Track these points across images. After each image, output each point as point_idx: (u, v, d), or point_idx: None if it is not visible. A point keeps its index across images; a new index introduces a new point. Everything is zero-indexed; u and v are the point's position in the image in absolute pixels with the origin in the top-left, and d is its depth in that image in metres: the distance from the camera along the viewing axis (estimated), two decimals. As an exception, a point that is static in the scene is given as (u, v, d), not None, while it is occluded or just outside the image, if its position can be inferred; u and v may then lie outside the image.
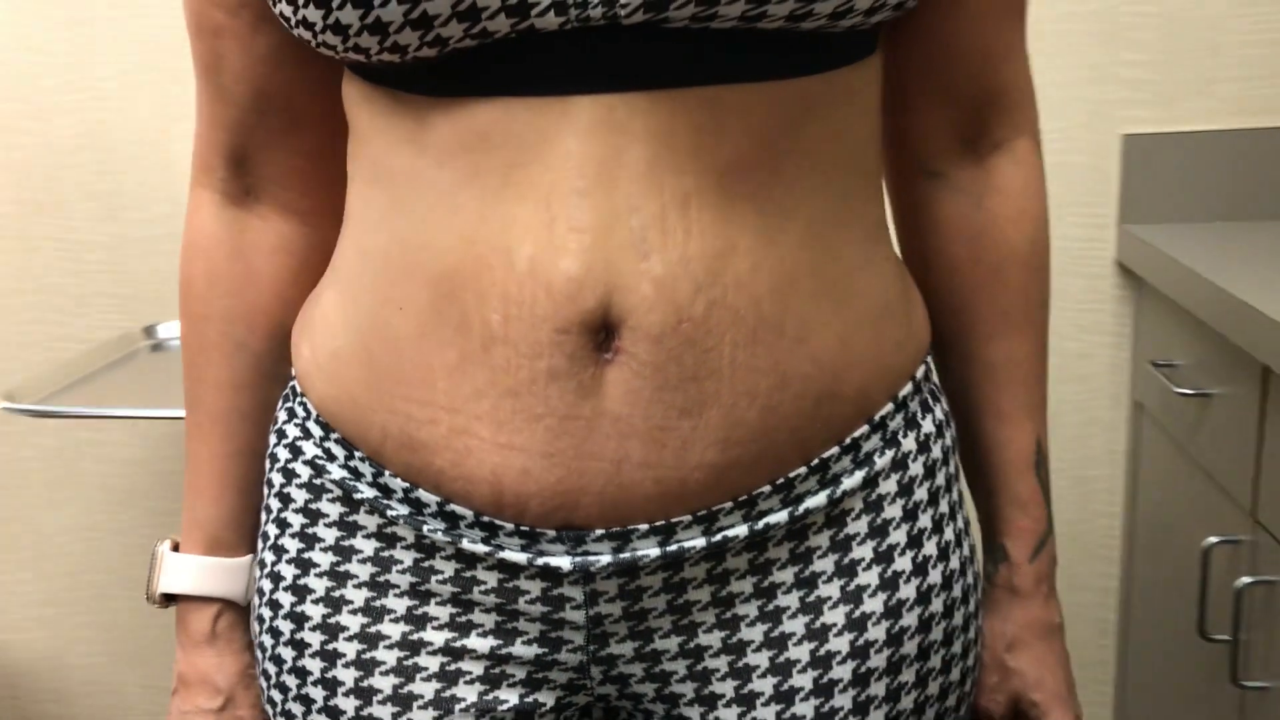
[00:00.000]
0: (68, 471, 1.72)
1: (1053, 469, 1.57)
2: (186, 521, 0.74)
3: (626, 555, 0.61)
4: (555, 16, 0.54)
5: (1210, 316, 1.22)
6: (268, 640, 0.69)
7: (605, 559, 0.61)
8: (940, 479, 0.68)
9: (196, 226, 0.73)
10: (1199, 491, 1.33)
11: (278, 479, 0.69)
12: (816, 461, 0.63)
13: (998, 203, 0.72)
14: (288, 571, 0.67)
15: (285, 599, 0.67)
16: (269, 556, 0.69)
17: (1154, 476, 1.50)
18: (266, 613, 0.69)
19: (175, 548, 0.75)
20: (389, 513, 0.64)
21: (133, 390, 1.42)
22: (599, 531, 0.60)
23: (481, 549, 0.62)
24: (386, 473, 0.64)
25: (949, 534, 0.68)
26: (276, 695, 0.69)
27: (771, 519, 0.62)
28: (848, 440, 0.64)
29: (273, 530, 0.69)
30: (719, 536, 0.62)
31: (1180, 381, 1.36)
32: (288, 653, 0.67)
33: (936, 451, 0.68)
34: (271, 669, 0.69)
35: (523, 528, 0.61)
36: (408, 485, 0.63)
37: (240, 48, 0.67)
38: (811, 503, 0.63)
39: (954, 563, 0.68)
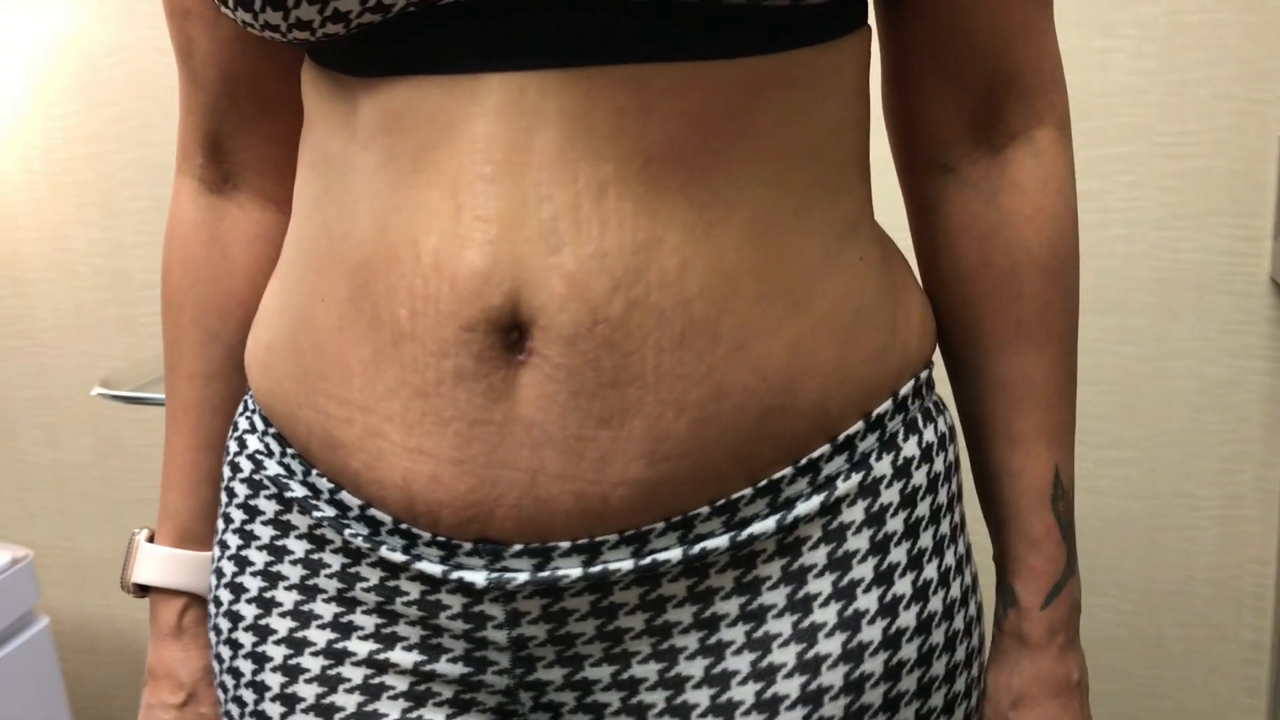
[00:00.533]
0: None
1: (1193, 506, 1.43)
2: (160, 512, 0.73)
3: (546, 574, 0.56)
4: None
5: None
6: (212, 637, 0.67)
7: (523, 576, 0.56)
8: (923, 509, 0.60)
9: (175, 214, 0.72)
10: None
11: (226, 472, 0.67)
12: (765, 483, 0.56)
13: (1013, 200, 0.63)
14: (228, 568, 0.65)
15: (225, 596, 0.65)
16: (215, 551, 0.67)
17: (1306, 520, 1.34)
18: (211, 609, 0.67)
19: (151, 538, 0.74)
20: (316, 513, 0.61)
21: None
22: (517, 547, 0.56)
23: (400, 558, 0.58)
24: (314, 471, 0.61)
25: (929, 572, 0.60)
26: (219, 695, 0.67)
27: (710, 543, 0.56)
28: (803, 460, 0.57)
29: (219, 525, 0.67)
30: (648, 560, 0.56)
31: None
32: (225, 651, 0.65)
33: (920, 478, 0.60)
34: (216, 668, 0.67)
35: (439, 538, 0.57)
36: (333, 486, 0.60)
37: (207, 30, 0.66)
38: (758, 528, 0.56)
39: (934, 604, 0.60)
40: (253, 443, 0.65)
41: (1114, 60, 1.33)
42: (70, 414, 1.72)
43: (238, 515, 0.65)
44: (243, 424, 0.66)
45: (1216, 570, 1.45)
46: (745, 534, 0.56)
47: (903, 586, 0.59)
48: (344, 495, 0.59)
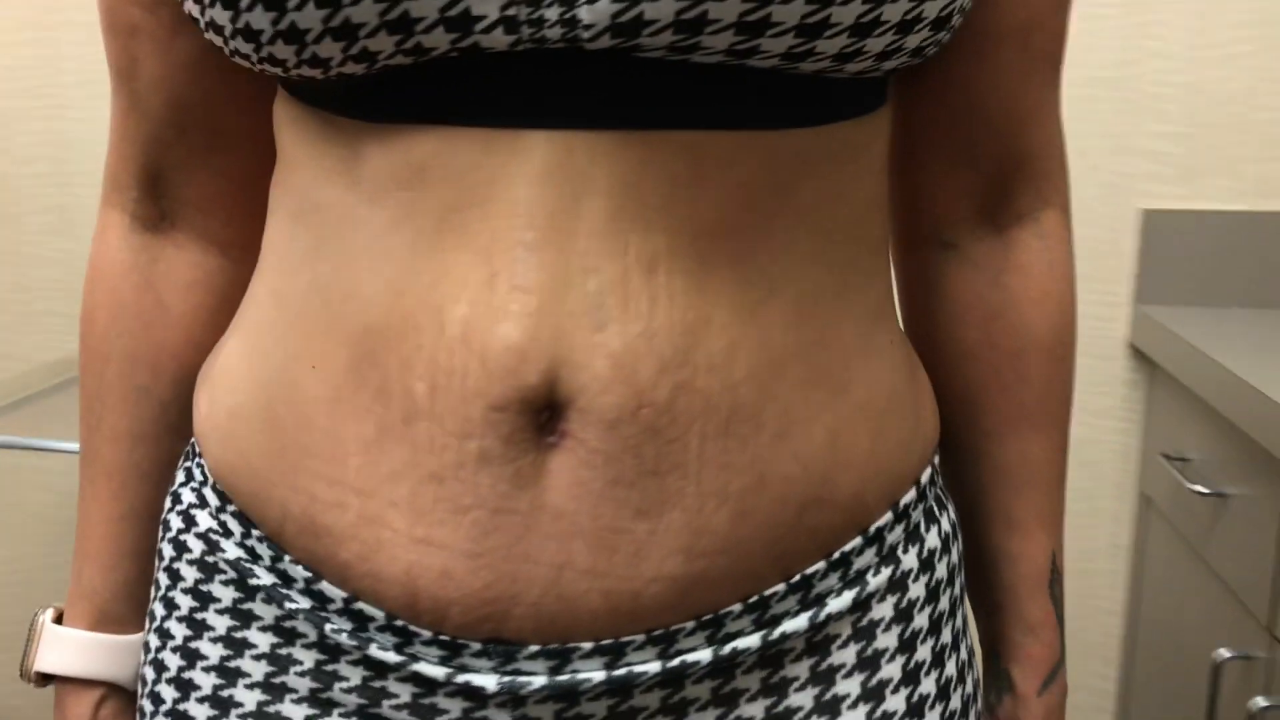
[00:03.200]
0: (2, 499, 1.62)
1: (1050, 558, 1.48)
2: (73, 590, 0.65)
3: (564, 678, 0.51)
4: (504, 35, 0.45)
5: (1231, 410, 1.13)
6: None
7: (539, 681, 0.51)
8: (944, 603, 0.59)
9: (102, 253, 0.64)
10: (1211, 598, 1.24)
11: (168, 550, 0.59)
12: (798, 578, 0.53)
13: (1018, 282, 0.63)
14: (172, 662, 0.58)
15: (168, 693, 0.57)
16: (154, 640, 0.59)
17: (1161, 576, 1.41)
18: (148, 706, 0.59)
19: (58, 618, 0.65)
20: (287, 604, 0.54)
21: (76, 417, 1.33)
22: (533, 648, 0.51)
23: (393, 658, 0.52)
24: (286, 558, 0.54)
25: (950, 668, 0.59)
26: None
27: (741, 643, 0.52)
28: (836, 554, 0.54)
29: (159, 610, 0.59)
30: (676, 661, 0.52)
31: (1193, 477, 1.27)
32: None
33: (941, 570, 0.59)
34: None
35: (442, 636, 0.51)
36: (310, 575, 0.53)
37: (157, 50, 0.59)
38: (790, 626, 0.53)
39: (955, 703, 0.58)
40: (204, 520, 0.57)
41: (994, 127, 1.37)
42: None
43: (185, 601, 0.58)
44: (188, 496, 0.59)
45: (1069, 622, 1.51)
46: (778, 632, 0.53)
47: (928, 685, 0.57)
48: (324, 586, 0.53)
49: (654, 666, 0.51)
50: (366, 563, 0.51)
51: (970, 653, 0.61)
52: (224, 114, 0.61)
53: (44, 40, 1.49)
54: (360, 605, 0.52)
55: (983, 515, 0.65)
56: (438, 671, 0.51)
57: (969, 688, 0.60)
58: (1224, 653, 1.15)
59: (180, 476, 0.60)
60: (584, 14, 0.44)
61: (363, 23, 0.45)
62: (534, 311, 0.47)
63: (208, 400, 0.58)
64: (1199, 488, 1.21)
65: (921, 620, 0.57)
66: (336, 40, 0.46)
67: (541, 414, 0.48)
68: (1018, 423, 0.64)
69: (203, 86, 0.60)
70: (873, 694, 0.55)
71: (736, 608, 0.52)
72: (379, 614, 0.52)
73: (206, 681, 0.56)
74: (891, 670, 0.56)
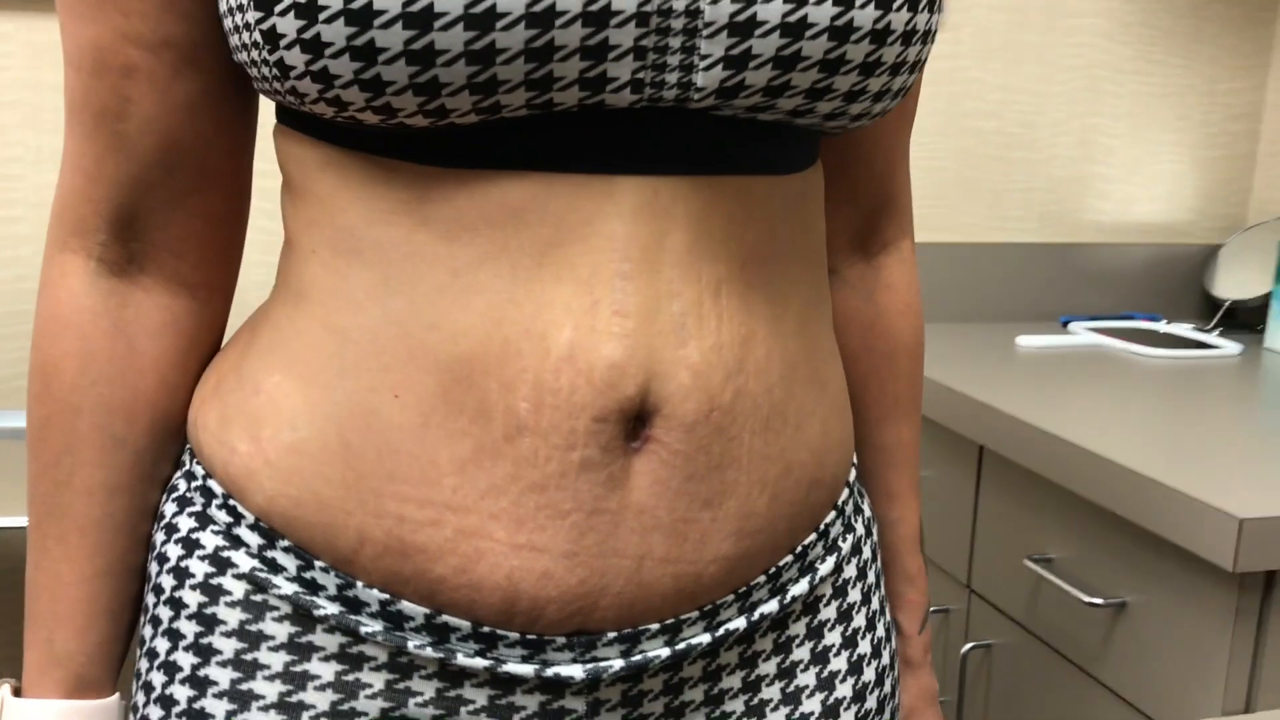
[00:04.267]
0: None
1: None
2: (40, 659, 0.61)
3: (637, 658, 0.57)
4: (629, 94, 0.52)
5: (926, 406, 1.36)
6: None
7: (617, 664, 0.57)
8: (879, 561, 0.71)
9: (64, 300, 0.61)
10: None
11: (194, 598, 0.58)
12: (800, 549, 0.63)
13: (888, 297, 0.77)
14: (217, 708, 0.57)
15: (213, 741, 0.57)
16: (182, 692, 0.58)
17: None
18: None
19: (16, 692, 0.61)
20: (361, 630, 0.56)
21: None
22: (610, 635, 0.57)
23: (479, 663, 0.56)
24: (358, 584, 0.56)
25: (888, 615, 0.71)
26: None
27: (764, 609, 0.61)
28: (822, 526, 0.65)
29: (187, 660, 0.58)
30: (720, 631, 0.60)
31: (881, 467, 1.48)
32: None
33: (875, 534, 0.71)
34: None
35: (528, 636, 0.56)
36: (386, 597, 0.56)
37: (154, 92, 0.58)
38: (795, 590, 0.63)
39: (894, 644, 0.71)
40: (243, 561, 0.57)
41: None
42: None
43: (227, 645, 0.57)
44: (212, 540, 0.58)
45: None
46: (789, 596, 0.62)
47: (880, 630, 0.69)
48: (403, 605, 0.55)
49: (705, 638, 0.59)
50: (465, 574, 0.54)
51: (886, 604, 0.74)
52: (210, 155, 0.61)
53: None
54: (445, 619, 0.55)
55: (867, 491, 0.78)
56: (525, 669, 0.56)
57: (892, 642, 0.73)
58: (930, 608, 1.36)
59: (189, 523, 0.59)
60: (699, 79, 0.52)
61: (507, 80, 0.50)
62: (631, 332, 0.54)
63: (249, 439, 0.57)
64: (893, 475, 1.42)
65: (872, 576, 0.69)
66: (474, 94, 0.50)
67: (630, 422, 0.55)
68: (892, 411, 0.78)
69: (195, 128, 0.60)
70: (850, 642, 0.66)
71: (761, 579, 0.61)
72: (464, 625, 0.55)
73: None
74: (859, 620, 0.67)
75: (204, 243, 0.63)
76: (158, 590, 0.60)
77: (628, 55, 0.51)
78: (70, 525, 0.61)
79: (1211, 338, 1.61)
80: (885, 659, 0.69)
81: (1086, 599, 1.08)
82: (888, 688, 0.69)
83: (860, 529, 0.68)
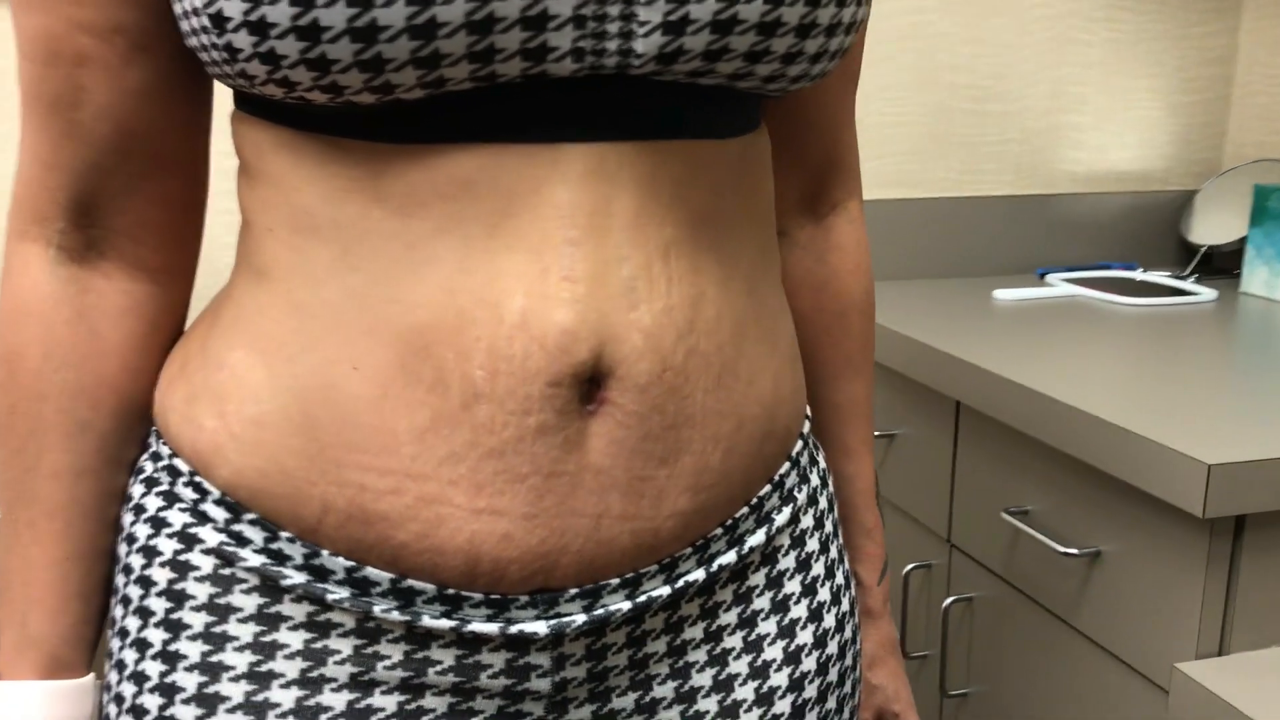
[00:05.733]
0: None
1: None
2: (15, 641, 0.61)
3: (599, 612, 0.59)
4: (571, 63, 0.52)
5: (900, 364, 1.37)
6: None
7: (580, 618, 0.58)
8: (835, 512, 0.72)
9: (26, 287, 0.61)
10: (891, 525, 1.47)
11: (163, 575, 0.59)
12: (755, 500, 0.64)
13: (838, 258, 0.78)
14: (188, 681, 0.58)
15: (187, 713, 0.58)
16: (154, 667, 0.59)
17: (830, 514, 1.64)
18: None
19: (-7, 674, 0.62)
20: (328, 597, 0.57)
21: None
22: (572, 591, 0.58)
23: (444, 624, 0.57)
24: (324, 552, 0.57)
25: (846, 563, 0.72)
26: None
27: (722, 560, 0.63)
28: (775, 477, 0.66)
29: (157, 635, 0.59)
30: (680, 583, 0.61)
31: (861, 425, 1.50)
32: None
33: (830, 485, 0.72)
34: None
35: (492, 596, 0.57)
36: (351, 564, 0.57)
37: (108, 79, 0.58)
38: (752, 541, 0.64)
39: (852, 591, 0.72)
40: (210, 536, 0.58)
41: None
42: None
43: (197, 619, 0.58)
44: (180, 518, 0.59)
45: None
46: (746, 547, 0.64)
47: (840, 577, 0.71)
48: (368, 572, 0.57)
49: (665, 590, 0.60)
50: (427, 539, 0.55)
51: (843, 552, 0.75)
52: (165, 141, 0.61)
53: None
54: (410, 583, 0.56)
55: (823, 448, 0.79)
56: (489, 628, 0.57)
57: (852, 578, 0.74)
58: (910, 565, 1.38)
59: (157, 502, 0.60)
60: (639, 46, 0.53)
61: (449, 53, 0.50)
62: (582, 298, 0.54)
63: (215, 414, 0.58)
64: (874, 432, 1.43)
65: (829, 526, 0.70)
66: (417, 68, 0.50)
67: (585, 386, 0.56)
68: (845, 369, 0.79)
69: (149, 114, 0.60)
70: (809, 590, 0.68)
71: (718, 531, 0.62)
72: (429, 588, 0.56)
73: (236, 690, 0.58)
74: (818, 569, 0.69)
75: (162, 227, 0.63)
76: (127, 570, 0.61)
77: (568, 24, 0.51)
78: (39, 510, 0.61)
79: (1188, 284, 1.62)
80: (845, 605, 0.70)
81: (1062, 549, 1.09)
82: (848, 633, 0.70)
83: (815, 479, 0.69)
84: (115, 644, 0.61)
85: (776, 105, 0.73)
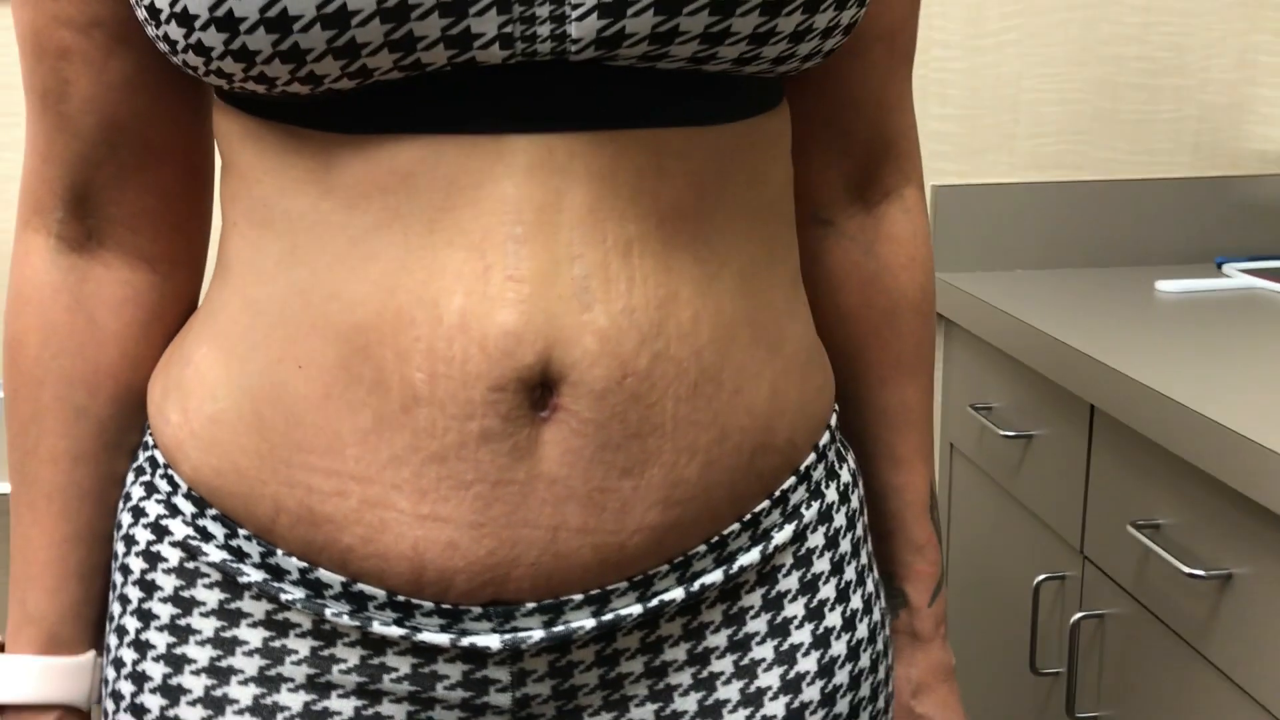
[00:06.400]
0: None
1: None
2: (16, 618, 0.64)
3: (560, 629, 0.56)
4: (500, 50, 0.49)
5: (1034, 360, 1.27)
6: None
7: (537, 634, 0.55)
8: (859, 529, 0.66)
9: (27, 276, 0.63)
10: (1023, 531, 1.38)
11: (137, 564, 0.60)
12: (749, 516, 0.59)
13: (889, 250, 0.71)
14: (155, 671, 0.58)
15: (153, 702, 0.58)
16: (128, 655, 0.60)
17: (971, 517, 1.55)
18: None
19: (0, 647, 0.64)
20: (282, 597, 0.56)
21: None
22: (530, 605, 0.55)
23: (395, 631, 0.55)
24: (279, 552, 0.56)
25: (870, 586, 0.66)
26: None
27: (707, 579, 0.58)
28: (777, 492, 0.61)
29: (132, 624, 0.60)
30: (655, 602, 0.57)
31: (999, 423, 1.40)
32: None
33: (854, 501, 0.66)
34: None
35: (444, 605, 0.55)
36: (305, 565, 0.56)
37: (90, 72, 0.59)
38: (745, 560, 0.60)
39: (876, 614, 0.66)
40: (178, 529, 0.58)
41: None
42: None
43: (165, 610, 0.58)
44: (155, 509, 0.59)
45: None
46: (736, 566, 0.59)
47: (856, 602, 0.65)
48: (321, 573, 0.55)
49: (636, 609, 0.57)
50: (371, 544, 0.54)
51: (877, 583, 0.69)
52: (154, 131, 0.62)
53: None
54: (360, 587, 0.55)
55: (869, 455, 0.73)
56: (441, 639, 0.55)
57: (883, 603, 0.68)
58: (1041, 576, 1.28)
59: (139, 491, 0.61)
60: (573, 30, 0.49)
61: (367, 42, 0.48)
62: (527, 298, 0.51)
63: (179, 411, 0.58)
64: (1007, 432, 1.34)
65: (845, 545, 0.64)
66: (338, 59, 0.48)
67: (535, 391, 0.52)
68: (895, 372, 0.72)
69: (134, 105, 0.60)
70: (815, 614, 0.62)
71: (701, 548, 0.58)
72: (379, 593, 0.55)
73: (197, 684, 0.57)
74: (828, 591, 0.63)
75: (159, 217, 0.64)
76: (114, 556, 0.62)
77: (490, 9, 0.48)
78: (38, 492, 0.63)
79: (1391, 278, 1.44)
80: (862, 632, 0.64)
81: (1188, 570, 0.99)
82: (865, 662, 0.64)
83: (832, 495, 0.64)
84: (107, 625, 0.62)
85: (813, 84, 0.68)
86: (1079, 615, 1.20)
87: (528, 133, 0.51)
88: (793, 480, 0.61)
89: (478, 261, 0.51)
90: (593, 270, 0.52)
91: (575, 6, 0.49)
